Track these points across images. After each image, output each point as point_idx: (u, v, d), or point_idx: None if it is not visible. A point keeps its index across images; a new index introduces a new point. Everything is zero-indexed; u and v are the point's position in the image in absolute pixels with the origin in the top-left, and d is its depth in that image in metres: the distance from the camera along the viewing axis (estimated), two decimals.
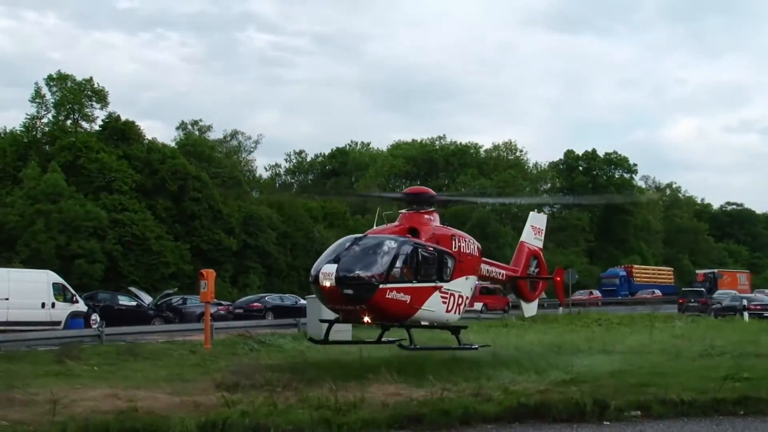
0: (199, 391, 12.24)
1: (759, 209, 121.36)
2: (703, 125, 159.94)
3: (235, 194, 65.57)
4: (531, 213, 27.11)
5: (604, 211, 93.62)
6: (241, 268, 60.68)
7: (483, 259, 21.98)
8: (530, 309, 26.52)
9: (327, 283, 16.44)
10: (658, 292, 75.35)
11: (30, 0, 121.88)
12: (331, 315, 18.37)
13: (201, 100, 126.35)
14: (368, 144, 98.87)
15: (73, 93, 62.18)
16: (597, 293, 74.03)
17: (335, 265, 16.51)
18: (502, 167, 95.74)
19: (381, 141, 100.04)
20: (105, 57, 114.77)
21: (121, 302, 39.62)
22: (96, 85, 63.21)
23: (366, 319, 17.59)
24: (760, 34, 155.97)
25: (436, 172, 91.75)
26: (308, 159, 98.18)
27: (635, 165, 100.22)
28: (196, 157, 65.42)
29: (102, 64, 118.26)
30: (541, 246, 26.03)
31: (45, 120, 61.91)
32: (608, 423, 11.13)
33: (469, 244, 20.31)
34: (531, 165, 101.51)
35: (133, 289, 43.21)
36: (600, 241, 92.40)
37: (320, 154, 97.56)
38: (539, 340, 24.87)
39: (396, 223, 19.03)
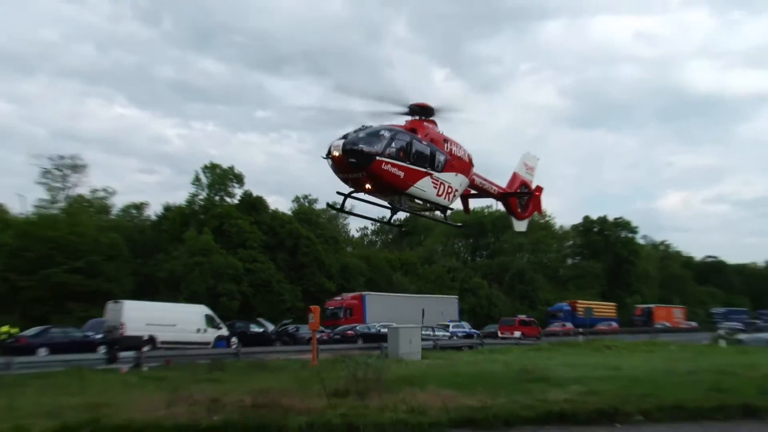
0: (309, 396, 12.31)
1: (730, 261, 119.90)
2: (687, 198, 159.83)
3: (333, 249, 66.13)
4: (524, 153, 24.97)
5: (613, 262, 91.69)
6: None
7: (477, 173, 21.09)
8: (520, 226, 25.04)
9: (336, 153, 16.16)
10: (614, 324, 72.08)
11: (197, 112, 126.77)
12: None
13: (311, 181, 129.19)
14: None
15: (220, 177, 63.96)
16: (614, 324, 71.63)
17: (343, 140, 16.28)
18: (535, 229, 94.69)
19: None
20: (245, 150, 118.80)
21: (252, 329, 40.18)
22: (236, 171, 65.21)
23: (367, 185, 17.01)
24: (728, 130, 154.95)
25: (485, 232, 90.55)
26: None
27: (637, 227, 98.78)
28: (306, 222, 66.23)
29: (243, 155, 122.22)
30: (531, 179, 24.33)
31: (201, 197, 63.74)
32: (619, 425, 10.88)
33: (460, 150, 19.63)
34: (557, 227, 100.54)
35: (260, 319, 43.61)
36: (610, 285, 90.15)
37: (397, 219, 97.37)
38: (564, 361, 24.35)
39: (402, 124, 18.48)
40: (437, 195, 18.54)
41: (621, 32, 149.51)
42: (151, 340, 31.72)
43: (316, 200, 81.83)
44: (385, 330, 34.02)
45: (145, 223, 63.75)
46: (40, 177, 65.10)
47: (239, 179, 65.00)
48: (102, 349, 29.30)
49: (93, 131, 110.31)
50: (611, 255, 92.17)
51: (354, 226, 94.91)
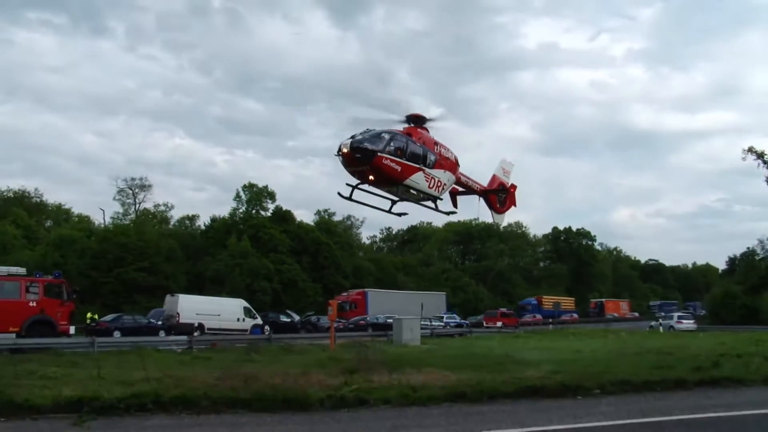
0: (329, 374, 12.33)
1: (667, 263, 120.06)
2: (633, 212, 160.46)
3: (348, 254, 66.05)
4: (502, 159, 24.24)
5: (576, 264, 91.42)
6: None
7: (462, 173, 20.76)
8: (500, 219, 24.22)
9: (345, 150, 16.05)
10: (575, 315, 70.72)
11: (239, 142, 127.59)
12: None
13: (330, 197, 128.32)
14: (430, 223, 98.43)
15: (256, 194, 64.43)
16: (575, 315, 71.06)
17: (351, 140, 16.18)
18: (513, 237, 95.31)
19: (438, 221, 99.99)
20: (277, 173, 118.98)
21: (281, 319, 40.12)
22: (270, 189, 65.57)
23: (371, 177, 16.79)
24: (663, 159, 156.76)
25: (473, 240, 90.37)
26: (393, 232, 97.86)
27: (595, 236, 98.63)
28: (326, 231, 66.38)
29: (275, 176, 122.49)
30: (507, 181, 23.55)
31: (240, 210, 64.15)
32: (580, 398, 10.84)
33: (448, 152, 19.42)
34: (531, 236, 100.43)
35: (288, 311, 43.62)
36: (574, 283, 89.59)
37: (401, 229, 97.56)
38: (537, 345, 24.27)
39: (400, 129, 18.18)
40: (429, 187, 18.41)
41: (579, 81, 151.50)
42: (200, 327, 31.88)
43: (334, 213, 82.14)
44: (391, 320, 33.99)
45: (196, 232, 64.22)
46: (116, 194, 66.03)
47: (272, 196, 65.54)
48: (162, 333, 29.51)
49: (158, 158, 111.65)
50: (575, 258, 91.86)
51: (365, 235, 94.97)
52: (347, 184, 17.73)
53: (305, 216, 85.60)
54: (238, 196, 64.76)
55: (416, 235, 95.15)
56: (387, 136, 16.89)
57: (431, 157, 18.41)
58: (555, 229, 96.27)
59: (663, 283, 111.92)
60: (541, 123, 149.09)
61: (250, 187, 65.02)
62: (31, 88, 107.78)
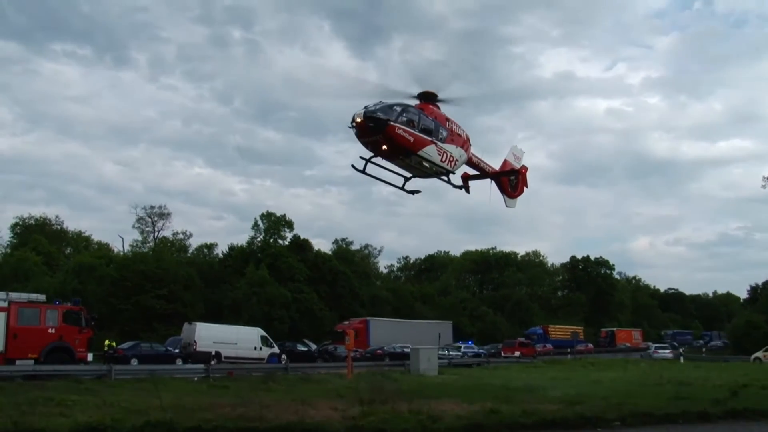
0: (346, 404, 12.17)
1: (687, 292, 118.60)
2: (652, 241, 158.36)
3: (365, 283, 65.61)
4: (513, 146, 23.82)
5: (595, 293, 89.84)
6: None
7: (474, 153, 20.55)
8: (512, 203, 23.48)
9: (359, 119, 15.88)
10: (590, 345, 68.46)
11: (258, 172, 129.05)
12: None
13: (348, 226, 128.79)
14: (448, 252, 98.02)
15: (274, 223, 64.63)
16: (590, 345, 69.35)
17: (364, 110, 16.07)
18: (531, 266, 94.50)
19: (456, 250, 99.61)
20: (295, 201, 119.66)
21: (298, 348, 39.70)
22: (287, 218, 65.82)
23: (384, 147, 16.54)
24: (682, 187, 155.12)
25: (490, 269, 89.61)
26: (411, 261, 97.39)
27: (613, 265, 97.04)
28: (343, 260, 66.16)
29: (293, 205, 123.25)
30: (518, 166, 23.09)
31: (258, 239, 64.32)
32: (600, 430, 10.55)
33: (460, 129, 19.29)
34: (549, 265, 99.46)
35: (305, 340, 43.17)
36: (592, 312, 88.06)
37: (418, 258, 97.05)
38: (555, 376, 23.76)
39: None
40: (441, 161, 18.28)
41: (596, 109, 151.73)
42: (218, 355, 31.74)
43: (351, 242, 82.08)
44: (408, 350, 33.58)
45: (214, 260, 64.32)
46: (135, 222, 66.87)
47: (289, 225, 65.69)
48: (179, 361, 29.44)
49: (177, 186, 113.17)
50: (593, 288, 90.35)
51: (383, 264, 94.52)
52: (361, 157, 17.63)
53: (323, 245, 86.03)
54: (256, 224, 65.14)
55: (434, 264, 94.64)
56: (399, 108, 16.92)
57: (443, 132, 18.40)
58: (573, 257, 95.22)
59: (683, 312, 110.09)
60: (559, 151, 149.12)
61: (267, 216, 65.37)
62: (55, 118, 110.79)
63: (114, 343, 31.90)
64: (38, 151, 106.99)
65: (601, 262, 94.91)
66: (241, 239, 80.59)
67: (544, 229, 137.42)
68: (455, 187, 20.24)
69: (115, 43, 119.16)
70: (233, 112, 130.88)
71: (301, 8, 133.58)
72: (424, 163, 17.79)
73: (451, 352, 40.75)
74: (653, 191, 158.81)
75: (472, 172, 21.55)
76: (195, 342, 31.94)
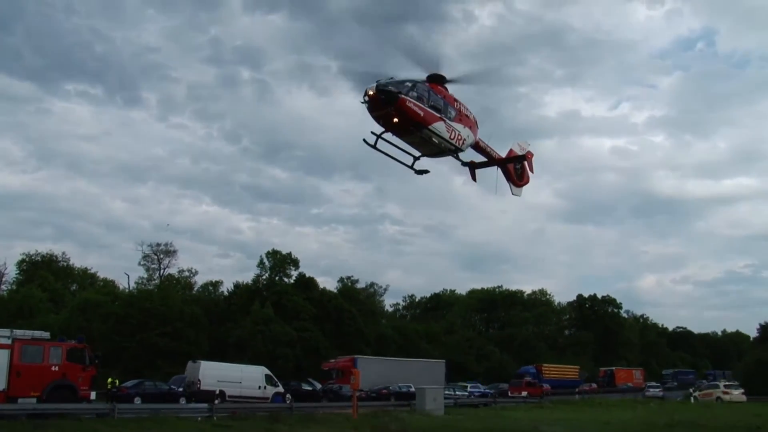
0: None
1: (696, 330, 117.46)
2: (659, 279, 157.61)
3: (371, 321, 64.87)
4: (517, 142, 23.75)
5: (602, 332, 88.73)
6: None
7: (481, 139, 20.67)
8: (518, 192, 23.67)
9: (371, 92, 16.00)
10: (594, 386, 66.63)
11: (265, 210, 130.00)
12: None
13: (354, 264, 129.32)
14: (454, 290, 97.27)
15: (280, 261, 64.51)
16: (595, 385, 67.78)
17: (377, 83, 16.17)
18: (538, 305, 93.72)
19: (462, 288, 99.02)
20: (301, 239, 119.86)
21: (303, 387, 39.21)
22: (293, 256, 65.75)
23: (395, 120, 16.63)
24: (688, 225, 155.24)
25: (497, 308, 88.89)
26: (416, 299, 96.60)
27: (620, 303, 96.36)
28: (348, 298, 65.65)
29: (299, 243, 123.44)
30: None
31: (264, 277, 64.14)
32: None
33: (468, 111, 19.47)
34: (556, 303, 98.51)
35: (310, 379, 42.69)
36: (600, 351, 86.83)
37: (424, 297, 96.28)
38: (562, 417, 23.34)
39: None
40: (450, 138, 18.52)
41: (601, 148, 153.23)
42: (222, 394, 31.36)
43: (357, 281, 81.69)
44: (413, 389, 33.13)
45: (220, 298, 64.07)
46: (141, 260, 67.03)
47: (295, 263, 65.49)
48: (183, 400, 29.07)
49: (184, 224, 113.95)
50: (600, 326, 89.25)
51: (388, 302, 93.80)
52: (372, 132, 17.89)
53: (329, 283, 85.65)
54: (261, 262, 65.02)
55: (439, 302, 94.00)
56: (409, 84, 17.21)
57: (451, 111, 18.70)
58: (580, 296, 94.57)
59: (692, 350, 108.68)
60: (564, 190, 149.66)
61: (273, 254, 65.36)
62: (65, 155, 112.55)
63: (117, 381, 31.58)
64: (47, 188, 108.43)
65: (608, 301, 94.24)
66: (247, 277, 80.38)
67: (551, 268, 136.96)
68: (463, 164, 20.46)
69: (126, 83, 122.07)
70: (241, 150, 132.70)
71: (309, 49, 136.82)
72: (434, 139, 18.04)
73: (457, 392, 40.09)
74: (659, 229, 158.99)
75: (478, 160, 21.79)
76: (199, 380, 31.63)
